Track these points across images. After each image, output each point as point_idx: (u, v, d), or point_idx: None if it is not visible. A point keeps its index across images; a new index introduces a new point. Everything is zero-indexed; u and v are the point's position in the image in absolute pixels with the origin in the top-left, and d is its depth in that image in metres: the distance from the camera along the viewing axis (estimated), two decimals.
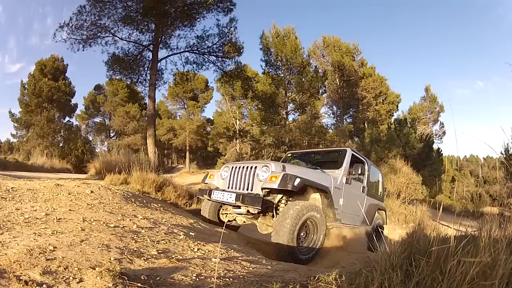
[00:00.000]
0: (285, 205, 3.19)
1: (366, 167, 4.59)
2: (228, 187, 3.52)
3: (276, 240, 2.86)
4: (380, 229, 4.86)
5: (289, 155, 5.01)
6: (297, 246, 2.96)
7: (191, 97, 24.92)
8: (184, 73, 13.15)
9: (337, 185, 3.73)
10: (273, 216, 3.27)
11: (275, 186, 2.95)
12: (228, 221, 4.02)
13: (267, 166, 3.23)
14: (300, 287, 1.34)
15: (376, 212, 4.89)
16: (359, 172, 3.89)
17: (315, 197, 3.55)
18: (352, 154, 4.21)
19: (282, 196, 3.29)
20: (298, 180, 3.01)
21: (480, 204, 19.72)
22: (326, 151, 5.36)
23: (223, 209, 4.02)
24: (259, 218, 3.50)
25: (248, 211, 3.45)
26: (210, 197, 3.53)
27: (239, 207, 3.48)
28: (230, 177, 3.55)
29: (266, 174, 3.15)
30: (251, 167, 3.36)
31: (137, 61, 10.94)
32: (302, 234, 3.13)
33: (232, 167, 3.57)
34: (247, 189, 3.32)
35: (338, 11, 58.75)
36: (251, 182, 3.31)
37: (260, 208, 3.04)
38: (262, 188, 3.14)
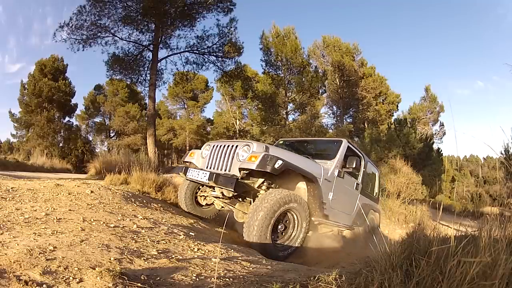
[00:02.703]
0: (266, 192, 2.88)
1: (363, 162, 4.23)
2: (207, 167, 3.24)
3: (247, 236, 2.60)
4: (372, 232, 4.48)
5: (281, 142, 4.72)
6: (273, 241, 2.70)
7: (191, 97, 24.93)
8: (184, 73, 13.17)
9: (327, 176, 3.37)
10: (251, 203, 2.96)
11: (253, 166, 2.65)
12: (206, 204, 3.80)
13: (248, 145, 2.94)
14: (300, 287, 1.34)
15: (370, 214, 4.51)
16: (354, 165, 3.51)
17: (300, 187, 3.23)
18: (348, 147, 3.87)
19: (263, 181, 2.99)
20: (279, 162, 2.68)
21: (480, 204, 19.72)
22: (320, 141, 5.02)
23: (201, 191, 3.74)
24: (236, 204, 3.19)
25: (222, 193, 3.14)
26: (185, 175, 3.30)
27: (215, 188, 3.24)
28: (210, 156, 3.27)
29: (247, 154, 2.84)
30: (232, 146, 3.08)
31: (137, 61, 10.97)
32: (280, 227, 2.86)
33: (214, 146, 3.32)
34: (225, 170, 3.03)
35: (338, 11, 58.77)
36: (229, 162, 3.02)
37: (233, 190, 2.74)
38: (240, 169, 2.82)
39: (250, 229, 2.59)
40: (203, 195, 3.74)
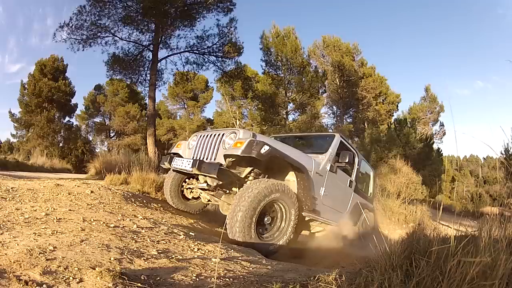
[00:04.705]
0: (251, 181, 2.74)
1: (357, 159, 4.09)
2: (193, 157, 3.13)
3: (231, 234, 2.46)
4: (366, 233, 4.22)
5: (272, 138, 4.55)
6: (259, 234, 2.59)
7: (191, 97, 24.91)
8: (184, 73, 13.18)
9: (319, 170, 3.20)
10: None
11: (238, 152, 2.54)
12: (193, 198, 3.69)
13: (235, 133, 2.84)
14: (300, 287, 1.34)
15: (364, 213, 4.31)
16: (346, 160, 3.35)
17: (290, 179, 3.08)
18: (341, 141, 3.71)
19: (251, 171, 2.85)
20: (266, 147, 2.55)
21: (480, 204, 19.71)
22: (312, 136, 4.90)
23: (187, 184, 3.63)
24: (222, 196, 3.06)
25: (206, 182, 3.01)
26: (170, 164, 3.19)
27: (199, 178, 3.13)
28: (197, 146, 3.17)
29: (232, 142, 2.73)
30: (219, 135, 2.98)
31: (137, 61, 10.96)
32: (266, 219, 2.72)
33: (200, 136, 3.22)
34: (211, 159, 2.92)
35: (338, 11, 58.70)
36: (216, 150, 2.91)
37: (216, 176, 2.62)
38: (225, 156, 2.71)
39: (232, 222, 2.47)
40: (189, 187, 3.63)
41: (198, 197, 3.62)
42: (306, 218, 3.14)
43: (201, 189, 3.34)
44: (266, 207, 2.63)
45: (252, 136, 2.74)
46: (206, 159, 2.97)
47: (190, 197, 3.71)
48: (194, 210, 3.83)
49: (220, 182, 2.90)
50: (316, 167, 3.18)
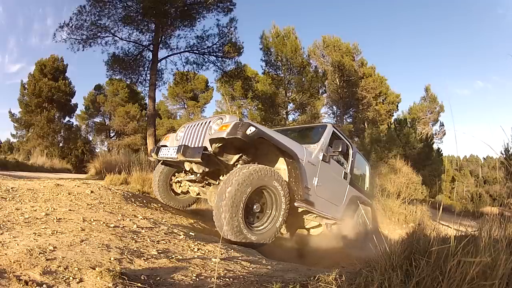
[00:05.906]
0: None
1: (351, 151, 4.01)
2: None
3: (218, 224, 2.37)
4: (364, 228, 4.14)
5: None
6: (248, 224, 2.50)
7: (191, 97, 24.91)
8: (184, 73, 13.17)
9: (311, 159, 3.10)
10: None
11: (223, 135, 2.46)
12: (182, 192, 3.60)
13: (221, 118, 2.77)
14: (300, 287, 1.34)
15: (360, 207, 4.13)
16: (339, 149, 3.22)
17: (280, 167, 2.97)
18: (333, 131, 3.61)
19: (239, 158, 2.76)
20: (252, 128, 2.45)
21: (480, 204, 19.72)
22: (304, 128, 4.79)
23: (175, 177, 3.56)
24: (210, 188, 2.98)
25: (192, 171, 2.90)
26: (157, 155, 3.12)
27: (188, 172, 3.05)
28: (184, 136, 3.12)
29: (218, 127, 2.66)
30: (206, 123, 2.91)
31: (137, 61, 10.96)
32: (255, 207, 2.60)
33: (188, 126, 3.18)
34: (197, 146, 2.85)
35: (338, 11, 58.81)
36: (202, 138, 2.84)
37: (200, 160, 2.52)
38: (211, 141, 2.63)
39: (218, 210, 2.36)
40: (178, 181, 3.56)
41: (188, 192, 3.55)
42: (300, 210, 3.02)
43: (189, 181, 3.25)
44: (254, 194, 2.53)
45: (238, 120, 2.68)
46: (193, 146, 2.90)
47: (179, 191, 3.63)
48: (184, 206, 3.76)
49: (207, 169, 2.79)
50: (308, 156, 3.07)
